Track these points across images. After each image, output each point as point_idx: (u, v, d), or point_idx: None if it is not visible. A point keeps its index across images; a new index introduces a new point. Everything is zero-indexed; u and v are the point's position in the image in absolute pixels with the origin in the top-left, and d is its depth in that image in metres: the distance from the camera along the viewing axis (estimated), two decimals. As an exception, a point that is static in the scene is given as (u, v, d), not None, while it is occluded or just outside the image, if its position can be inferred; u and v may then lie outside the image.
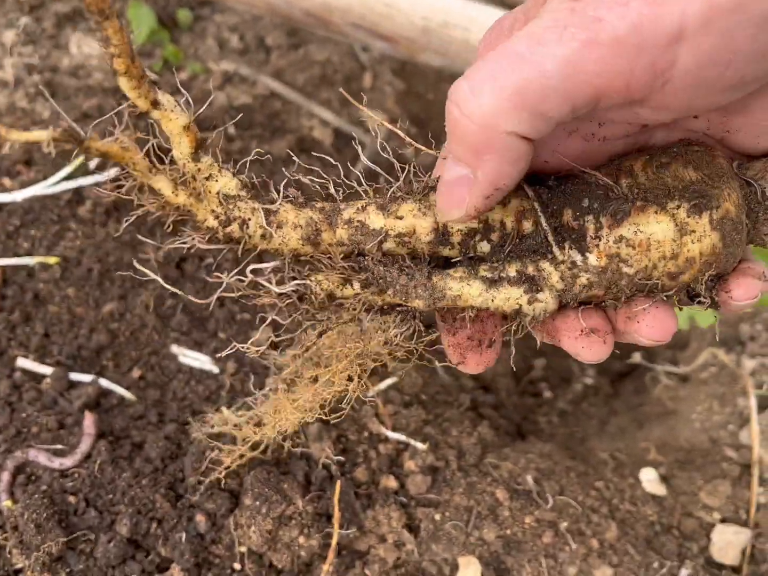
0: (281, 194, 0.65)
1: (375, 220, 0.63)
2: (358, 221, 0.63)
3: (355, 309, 0.63)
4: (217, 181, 0.65)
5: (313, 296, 0.63)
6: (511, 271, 0.62)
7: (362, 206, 0.64)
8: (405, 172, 0.65)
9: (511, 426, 1.33)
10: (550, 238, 0.62)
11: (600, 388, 1.58)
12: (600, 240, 0.60)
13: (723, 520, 1.16)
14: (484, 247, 0.63)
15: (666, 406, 1.33)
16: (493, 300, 0.62)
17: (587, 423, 1.44)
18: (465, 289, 0.62)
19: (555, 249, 0.61)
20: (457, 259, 0.64)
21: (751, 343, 1.34)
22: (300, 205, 0.64)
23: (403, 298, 0.62)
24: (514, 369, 1.49)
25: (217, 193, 0.64)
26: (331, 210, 0.64)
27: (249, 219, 0.64)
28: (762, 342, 1.35)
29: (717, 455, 1.22)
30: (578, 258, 0.61)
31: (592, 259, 0.60)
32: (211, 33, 1.65)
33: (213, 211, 0.64)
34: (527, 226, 0.63)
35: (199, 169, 0.65)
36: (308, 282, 0.62)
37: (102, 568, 0.98)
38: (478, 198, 0.58)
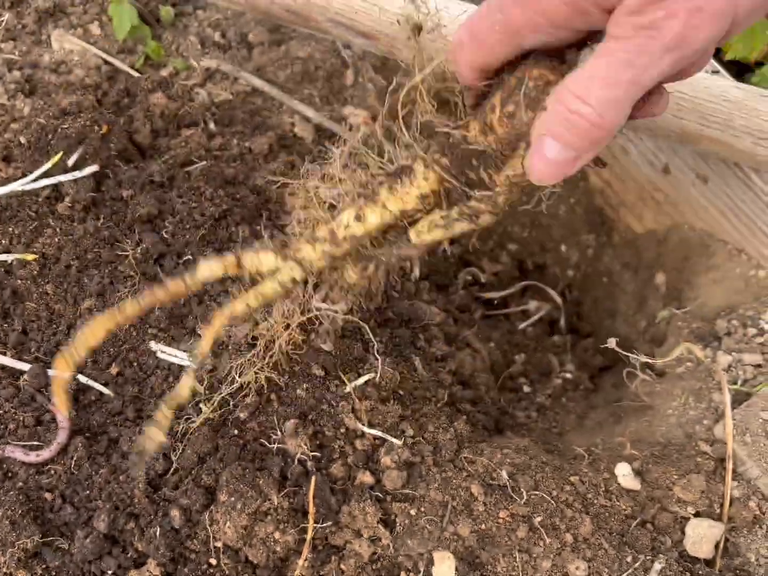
0: None
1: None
2: None
3: None
4: None
5: None
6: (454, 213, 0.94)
7: None
8: None
9: (489, 421, 1.34)
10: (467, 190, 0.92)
11: (579, 382, 1.59)
12: (495, 182, 0.89)
13: (697, 514, 1.17)
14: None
15: (643, 401, 1.34)
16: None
17: (566, 418, 1.45)
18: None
19: (475, 194, 0.91)
20: None
21: (726, 338, 1.36)
22: None
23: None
24: (493, 365, 1.51)
25: None
26: None
27: None
28: (738, 338, 1.36)
29: (692, 450, 1.23)
30: (489, 192, 0.90)
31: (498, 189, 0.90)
32: (193, 29, 1.65)
33: None
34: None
35: None
36: None
37: (78, 563, 0.99)
38: (575, 171, 0.78)
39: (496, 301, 1.74)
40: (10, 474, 1.03)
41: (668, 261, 1.60)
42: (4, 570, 0.95)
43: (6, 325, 1.17)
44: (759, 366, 1.32)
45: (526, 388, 1.51)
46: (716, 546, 1.16)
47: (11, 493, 0.99)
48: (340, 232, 0.97)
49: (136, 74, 1.52)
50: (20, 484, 1.01)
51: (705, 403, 1.28)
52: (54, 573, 0.98)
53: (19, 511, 0.97)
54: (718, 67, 1.54)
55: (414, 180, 0.93)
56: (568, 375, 1.60)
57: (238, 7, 1.46)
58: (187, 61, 1.58)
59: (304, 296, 1.03)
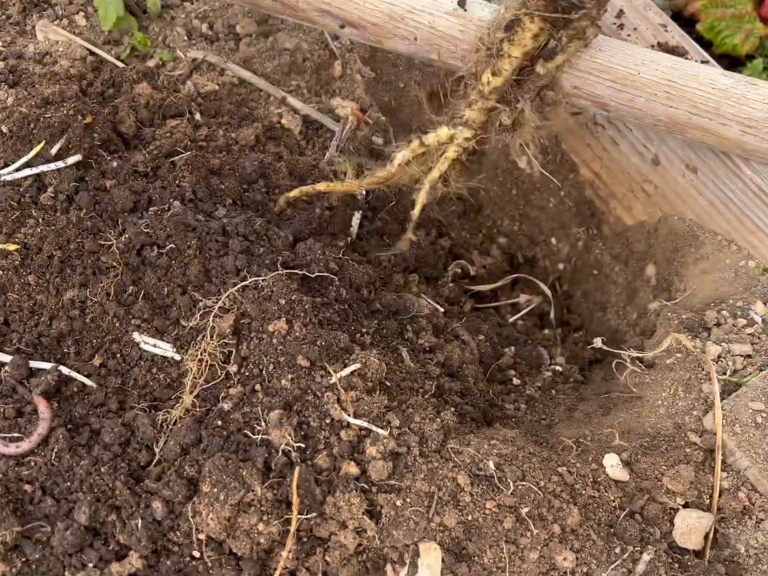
0: None
1: None
2: None
3: None
4: None
5: None
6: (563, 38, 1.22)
7: None
8: None
9: (477, 413, 1.33)
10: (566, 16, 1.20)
11: (569, 375, 1.58)
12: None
13: (686, 505, 1.17)
14: None
15: (632, 392, 1.33)
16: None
17: (555, 409, 1.44)
18: None
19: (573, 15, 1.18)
20: None
21: (716, 329, 1.35)
22: None
23: None
24: (482, 357, 1.50)
25: None
26: None
27: None
28: (727, 328, 1.35)
29: (681, 441, 1.22)
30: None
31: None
32: (180, 21, 1.64)
33: None
34: None
35: None
36: None
37: (59, 556, 0.98)
38: None
39: (485, 294, 1.73)
40: (-11, 465, 1.01)
41: (658, 252, 1.59)
42: (-17, 563, 0.93)
43: (-13, 316, 1.16)
44: (749, 356, 1.31)
45: (516, 381, 1.50)
46: (705, 537, 1.16)
47: (-10, 485, 0.97)
48: (486, 89, 1.28)
49: (121, 65, 1.51)
50: (0, 475, 1.00)
51: (694, 393, 1.27)
52: (34, 566, 0.97)
53: (-1, 503, 0.96)
54: (708, 57, 1.53)
55: (524, 26, 1.19)
56: (558, 368, 1.58)
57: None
58: (174, 53, 1.57)
59: None
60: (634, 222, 1.65)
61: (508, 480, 1.08)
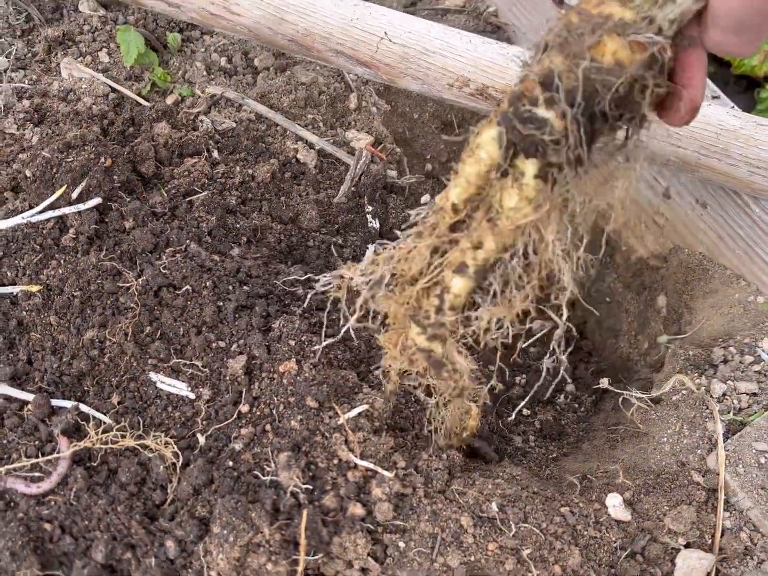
0: None
1: None
2: None
3: None
4: None
5: None
6: None
7: None
8: None
9: (486, 447, 1.36)
10: None
11: (580, 404, 1.61)
12: None
13: (687, 545, 1.18)
14: None
15: (638, 428, 1.35)
16: None
17: (563, 440, 1.47)
18: None
19: None
20: None
21: (723, 366, 1.36)
22: None
23: None
24: (495, 389, 1.52)
25: None
26: None
27: None
28: (734, 365, 1.36)
29: (684, 480, 1.24)
30: None
31: None
32: (200, 55, 1.68)
33: None
34: None
35: None
36: None
37: (77, 593, 1.02)
38: None
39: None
40: (11, 504, 1.06)
41: (669, 284, 1.60)
42: (5, 600, 0.98)
43: (12, 355, 1.21)
44: (754, 394, 1.32)
45: (525, 411, 1.53)
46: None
47: (12, 524, 1.02)
48: None
49: (143, 101, 1.55)
50: (21, 514, 1.04)
51: (699, 431, 1.29)
52: (54, 602, 1.02)
53: (20, 542, 1.01)
54: (719, 92, 1.54)
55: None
56: (569, 397, 1.61)
57: (243, 36, 1.48)
58: (193, 88, 1.61)
59: None
60: (648, 253, 1.67)
61: (511, 522, 1.11)
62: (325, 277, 0.94)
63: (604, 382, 1.27)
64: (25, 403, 1.17)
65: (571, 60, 0.71)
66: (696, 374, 1.36)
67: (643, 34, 0.70)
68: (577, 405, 1.59)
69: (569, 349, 1.78)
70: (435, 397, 1.14)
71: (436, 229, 0.85)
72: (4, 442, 1.12)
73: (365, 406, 1.17)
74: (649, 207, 1.60)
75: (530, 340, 1.77)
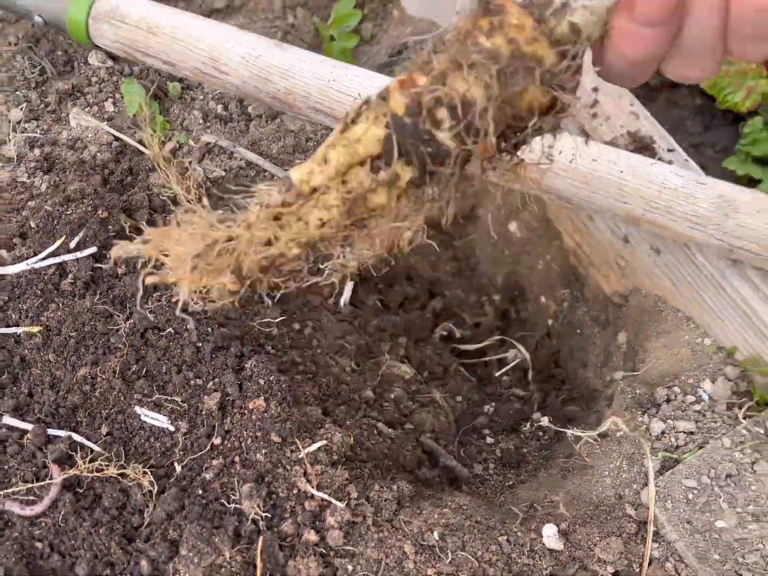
0: None
1: None
2: None
3: None
4: None
5: None
6: None
7: None
8: None
9: (445, 476, 1.49)
10: None
11: (545, 432, 1.72)
12: None
13: (616, 573, 1.30)
14: None
15: (585, 461, 1.47)
16: None
17: (522, 468, 1.59)
18: None
19: None
20: None
21: (665, 405, 1.47)
22: None
23: None
24: (458, 418, 1.65)
25: None
26: None
27: None
28: (675, 404, 1.47)
29: (619, 512, 1.35)
30: None
31: None
32: (198, 103, 1.82)
33: None
34: None
35: None
36: None
37: (63, 603, 1.17)
38: None
39: (473, 352, 1.88)
40: (9, 524, 1.22)
41: (628, 322, 1.71)
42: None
43: (15, 388, 1.36)
44: (691, 433, 1.43)
45: (489, 440, 1.65)
46: (633, 602, 1.29)
47: (8, 542, 1.17)
48: None
49: (144, 149, 1.69)
50: (16, 534, 1.19)
51: (636, 467, 1.40)
52: (42, 611, 1.17)
53: (13, 559, 1.16)
54: (675, 146, 1.64)
55: None
56: (534, 425, 1.72)
57: (232, 92, 1.62)
58: (190, 135, 1.75)
59: None
60: (611, 291, 1.78)
61: (448, 550, 1.24)
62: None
63: (544, 420, 1.38)
64: (25, 432, 1.32)
65: (490, 94, 0.64)
66: (639, 412, 1.47)
67: (562, 87, 0.66)
68: (541, 433, 1.71)
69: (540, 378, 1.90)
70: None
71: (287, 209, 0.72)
72: (6, 467, 1.27)
73: (324, 442, 1.30)
74: (611, 249, 1.70)
75: (503, 370, 1.90)
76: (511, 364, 1.89)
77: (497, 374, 1.87)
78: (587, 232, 1.75)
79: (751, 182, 2.29)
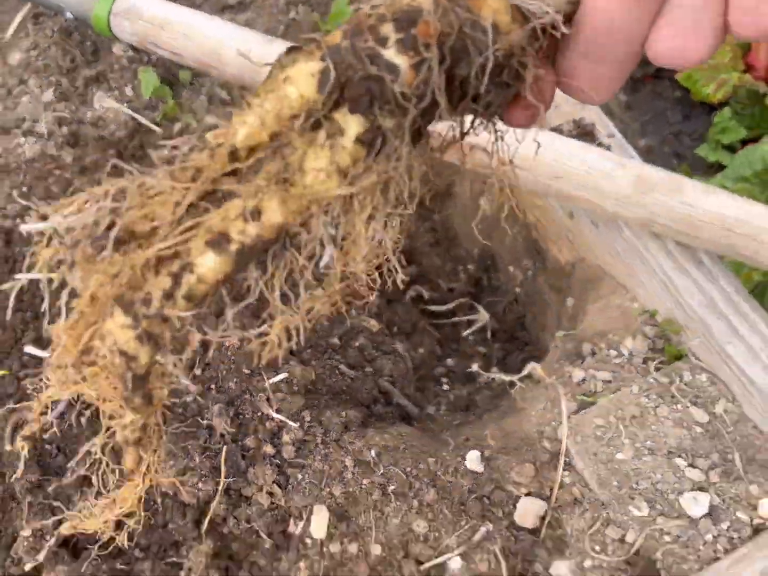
0: None
1: None
2: None
3: None
4: None
5: None
6: None
7: None
8: None
9: (397, 413, 1.73)
10: None
11: (499, 384, 1.95)
12: None
13: (528, 494, 1.53)
14: None
15: (519, 404, 1.70)
16: None
17: (471, 412, 1.82)
18: None
19: None
20: None
21: (590, 358, 1.69)
22: None
23: None
24: (418, 367, 1.89)
25: None
26: None
27: None
28: (599, 358, 1.69)
29: (537, 445, 1.58)
30: None
31: None
32: (205, 89, 2.09)
33: None
34: None
35: None
36: None
37: (67, 492, 1.45)
38: None
39: (443, 313, 2.11)
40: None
41: (575, 289, 1.93)
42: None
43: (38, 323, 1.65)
44: (608, 381, 1.65)
45: (445, 387, 1.89)
46: (543, 519, 1.52)
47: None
48: None
49: (156, 128, 1.96)
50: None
51: (557, 408, 1.63)
52: (52, 497, 1.45)
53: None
54: (615, 132, 1.85)
55: None
56: (489, 378, 1.95)
57: (231, 81, 1.88)
58: (196, 116, 2.02)
59: None
60: (564, 261, 1.99)
61: (382, 465, 1.48)
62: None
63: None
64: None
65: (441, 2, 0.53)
66: (567, 363, 1.69)
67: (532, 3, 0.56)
68: (495, 384, 1.94)
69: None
70: None
71: (200, 176, 0.58)
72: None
73: (286, 374, 1.56)
74: (561, 224, 1.92)
75: (470, 330, 2.13)
76: (478, 325, 2.12)
77: (464, 333, 2.10)
78: (541, 208, 1.97)
79: (720, 168, 2.49)
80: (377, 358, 1.80)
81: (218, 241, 0.56)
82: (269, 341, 0.65)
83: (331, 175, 0.55)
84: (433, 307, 2.09)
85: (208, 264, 0.56)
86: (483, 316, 2.12)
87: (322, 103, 0.54)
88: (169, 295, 0.57)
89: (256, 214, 0.55)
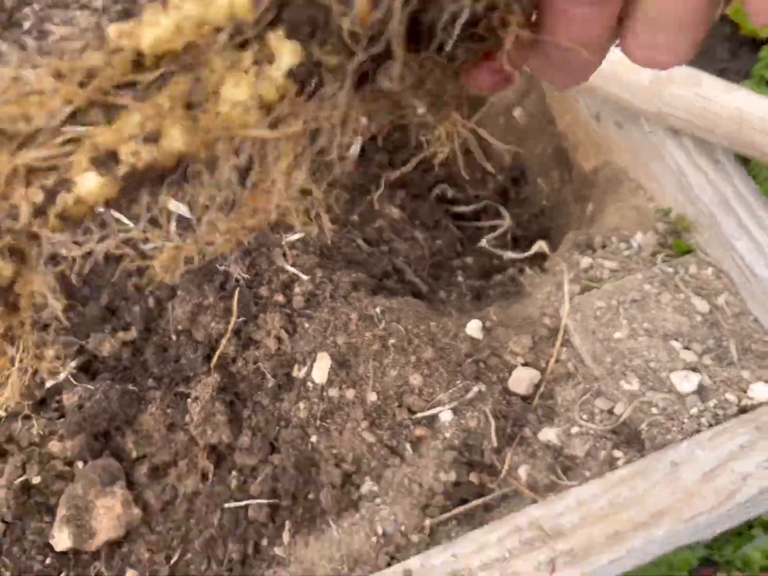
0: None
1: None
2: None
3: None
4: None
5: None
6: None
7: None
8: None
9: (407, 289, 1.80)
10: None
11: (512, 279, 2.00)
12: None
13: (525, 365, 1.59)
14: None
15: (527, 290, 1.75)
16: None
17: (482, 301, 1.88)
18: None
19: None
20: None
21: (600, 249, 1.73)
22: None
23: None
24: (435, 256, 1.95)
25: None
26: None
27: None
28: (609, 249, 1.73)
29: (538, 321, 1.64)
30: None
31: None
32: None
33: None
34: None
35: None
36: None
37: (89, 323, 1.56)
38: None
39: (469, 217, 2.17)
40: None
41: (595, 194, 1.97)
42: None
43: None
44: (615, 271, 1.69)
45: (460, 278, 1.94)
46: (536, 387, 1.57)
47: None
48: None
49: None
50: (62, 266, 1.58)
51: (562, 292, 1.67)
52: (76, 326, 1.56)
53: (56, 283, 1.55)
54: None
55: None
56: (512, 270, 1.99)
57: None
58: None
59: None
60: (589, 169, 2.03)
61: (384, 321, 1.55)
62: None
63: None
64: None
65: None
66: (577, 252, 1.74)
67: None
68: (508, 280, 1.99)
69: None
70: None
71: (91, 82, 0.47)
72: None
73: (302, 234, 1.64)
74: (589, 128, 1.96)
75: (494, 234, 2.18)
76: (500, 230, 2.16)
77: (488, 237, 2.15)
78: (573, 113, 2.01)
79: (762, 104, 2.47)
80: (394, 241, 1.87)
81: (104, 161, 0.48)
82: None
83: (251, 110, 0.45)
84: (458, 208, 2.14)
85: (89, 185, 0.48)
86: (507, 222, 2.16)
87: (255, 19, 0.43)
88: (39, 212, 0.49)
89: (154, 137, 0.47)
